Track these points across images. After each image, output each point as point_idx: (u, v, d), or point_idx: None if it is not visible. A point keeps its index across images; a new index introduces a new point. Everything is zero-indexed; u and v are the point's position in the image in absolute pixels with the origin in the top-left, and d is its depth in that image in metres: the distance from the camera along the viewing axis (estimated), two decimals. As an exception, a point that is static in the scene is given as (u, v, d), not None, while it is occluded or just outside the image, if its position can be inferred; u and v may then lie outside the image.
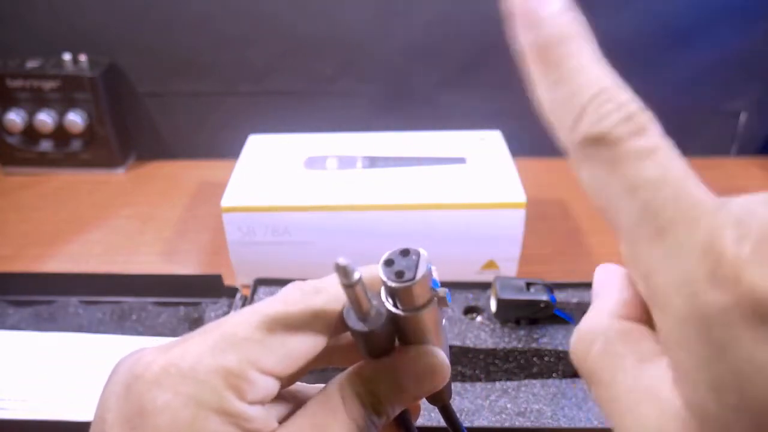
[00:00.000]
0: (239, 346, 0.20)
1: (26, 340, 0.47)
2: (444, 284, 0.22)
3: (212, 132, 0.80)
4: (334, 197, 0.54)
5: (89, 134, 0.76)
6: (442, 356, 0.23)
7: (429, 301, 0.21)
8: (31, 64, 0.73)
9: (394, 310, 0.21)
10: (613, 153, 0.16)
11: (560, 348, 0.45)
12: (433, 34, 0.73)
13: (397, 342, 0.23)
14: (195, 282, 0.53)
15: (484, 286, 0.50)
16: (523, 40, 0.17)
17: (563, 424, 0.40)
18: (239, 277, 0.57)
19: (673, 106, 0.81)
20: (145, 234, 0.66)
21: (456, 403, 0.42)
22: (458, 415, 0.28)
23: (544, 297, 0.46)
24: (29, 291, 0.52)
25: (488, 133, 0.63)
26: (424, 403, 0.26)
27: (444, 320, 0.24)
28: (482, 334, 0.46)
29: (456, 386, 0.43)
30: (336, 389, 0.22)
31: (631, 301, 0.19)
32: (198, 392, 0.19)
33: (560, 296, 0.48)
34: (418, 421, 0.26)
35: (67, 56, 0.73)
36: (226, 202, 0.54)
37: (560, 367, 0.45)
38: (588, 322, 0.19)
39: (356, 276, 0.19)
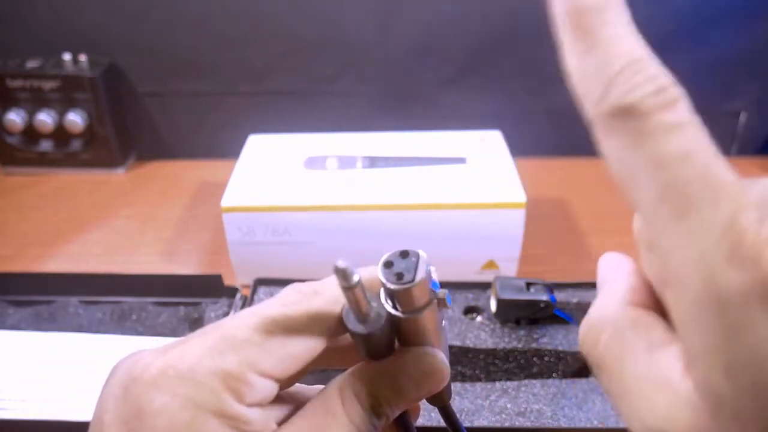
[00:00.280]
0: (238, 348, 0.20)
1: (26, 340, 0.47)
2: (444, 284, 0.22)
3: (212, 132, 0.80)
4: (334, 197, 0.54)
5: (89, 134, 0.75)
6: (442, 358, 0.23)
7: (428, 303, 0.21)
8: (31, 64, 0.73)
9: (393, 311, 0.21)
10: (641, 125, 0.15)
11: (560, 348, 0.45)
12: (433, 34, 0.73)
13: (396, 343, 0.23)
14: (195, 282, 0.53)
15: (484, 286, 0.50)
16: (559, 6, 0.17)
17: (563, 424, 0.40)
18: (239, 277, 0.57)
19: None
20: (145, 234, 0.66)
21: (456, 403, 0.42)
22: (458, 415, 0.28)
23: (544, 297, 0.46)
24: (29, 291, 0.52)
25: (488, 133, 0.63)
26: (423, 403, 0.26)
27: (444, 321, 0.24)
28: (482, 334, 0.46)
29: (456, 386, 0.43)
30: (335, 391, 0.22)
31: (639, 288, 0.19)
32: (196, 394, 0.19)
33: (560, 296, 0.48)
34: (417, 421, 0.26)
35: (67, 56, 0.73)
36: (226, 202, 0.54)
37: (560, 367, 0.45)
38: (597, 310, 0.19)
39: (355, 278, 0.19)
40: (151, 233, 0.67)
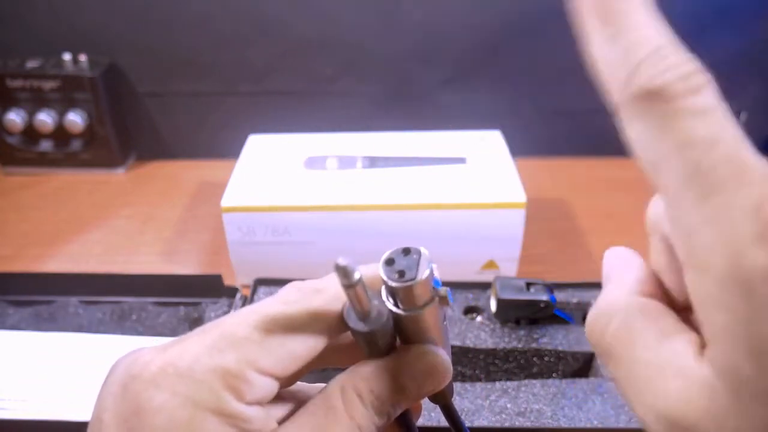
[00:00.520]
0: (238, 346, 0.20)
1: (26, 340, 0.47)
2: (444, 284, 0.22)
3: (212, 132, 0.80)
4: (334, 197, 0.54)
5: (89, 134, 0.75)
6: (444, 355, 0.23)
7: (430, 301, 0.21)
8: (31, 64, 0.73)
9: (395, 309, 0.21)
10: (668, 108, 0.15)
11: (560, 348, 0.45)
12: (433, 34, 0.73)
13: (398, 341, 0.23)
14: (195, 282, 0.53)
15: (484, 286, 0.50)
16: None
17: (563, 424, 0.40)
18: (239, 277, 0.57)
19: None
20: (145, 234, 0.66)
21: (456, 403, 0.41)
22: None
23: (544, 297, 0.46)
24: (29, 291, 0.52)
25: (488, 133, 0.63)
26: (424, 402, 0.26)
27: (446, 320, 0.24)
28: (482, 334, 0.46)
29: (456, 386, 0.43)
30: (337, 389, 0.22)
31: (647, 278, 0.19)
32: (195, 392, 0.19)
33: (560, 296, 0.48)
34: (418, 421, 0.26)
35: (67, 56, 0.73)
36: (226, 202, 0.54)
37: (560, 367, 0.45)
38: (605, 299, 0.19)
39: (356, 276, 0.19)
40: (151, 233, 0.67)
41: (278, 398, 0.22)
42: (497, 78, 0.76)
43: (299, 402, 0.23)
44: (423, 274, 0.20)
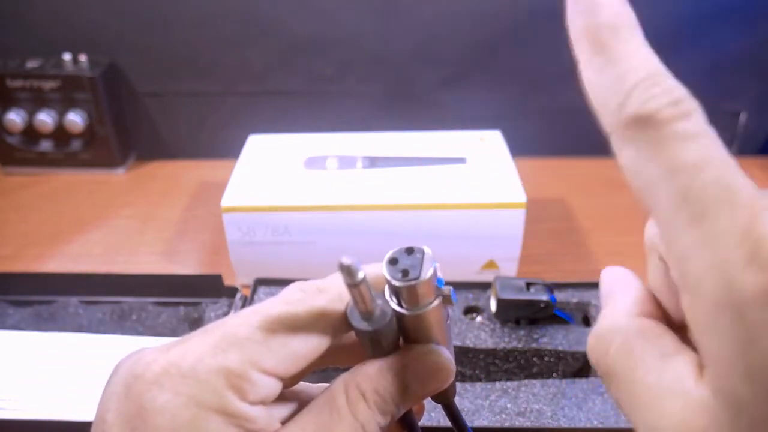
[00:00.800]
0: (240, 346, 0.20)
1: (26, 340, 0.47)
2: (445, 284, 0.22)
3: (212, 132, 0.80)
4: (334, 197, 0.54)
5: (89, 134, 0.75)
6: (447, 355, 0.23)
7: (433, 300, 0.21)
8: (31, 64, 0.73)
9: (398, 308, 0.21)
10: (658, 134, 0.16)
11: (560, 348, 0.45)
12: (433, 34, 0.73)
13: (401, 341, 0.23)
14: (195, 282, 0.53)
15: (484, 286, 0.50)
16: (577, 22, 0.17)
17: (563, 424, 0.40)
18: (239, 277, 0.57)
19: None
20: (145, 234, 0.66)
21: (456, 403, 0.42)
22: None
23: (544, 297, 0.46)
24: (29, 291, 0.52)
25: (488, 133, 0.63)
26: (425, 402, 0.26)
27: (449, 319, 0.24)
28: (482, 334, 0.46)
29: (456, 386, 0.43)
30: (340, 389, 0.22)
31: (646, 299, 0.19)
32: (198, 392, 0.19)
33: (560, 296, 0.48)
34: (420, 420, 0.26)
35: (67, 56, 0.73)
36: (226, 202, 0.54)
37: (560, 367, 0.45)
38: (605, 321, 0.19)
39: (360, 275, 0.19)
40: (151, 233, 0.67)
41: (281, 398, 0.22)
42: (497, 78, 0.76)
43: (302, 402, 0.23)
44: (426, 273, 0.20)
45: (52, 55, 0.73)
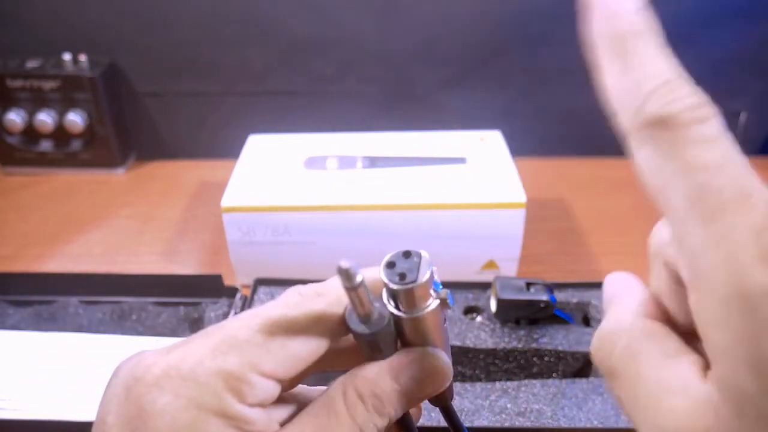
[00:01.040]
0: (240, 348, 0.20)
1: (26, 340, 0.47)
2: (444, 284, 0.22)
3: (212, 132, 0.80)
4: (334, 197, 0.54)
5: (89, 134, 0.75)
6: (445, 358, 0.23)
7: (431, 303, 0.21)
8: (31, 64, 0.73)
9: (396, 312, 0.21)
10: (677, 136, 0.16)
11: (560, 348, 0.45)
12: (433, 34, 0.73)
13: (399, 344, 0.23)
14: (195, 282, 0.53)
15: (484, 286, 0.50)
16: (597, 29, 0.18)
17: (563, 424, 0.40)
18: (239, 277, 0.57)
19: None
20: (145, 234, 0.66)
21: (456, 403, 0.42)
22: (458, 415, 0.28)
23: (544, 297, 0.46)
24: (29, 291, 0.52)
25: (488, 133, 0.63)
26: (424, 402, 0.26)
27: (446, 322, 0.24)
28: (482, 334, 0.46)
29: (456, 386, 0.43)
30: (338, 391, 0.22)
31: (650, 301, 0.19)
32: (198, 395, 0.19)
33: (560, 296, 0.48)
34: (418, 422, 0.26)
35: (67, 56, 0.73)
36: (226, 202, 0.54)
37: (560, 367, 0.45)
38: (610, 322, 0.20)
39: (359, 279, 0.19)
40: (151, 233, 0.67)
41: (280, 401, 0.22)
42: (497, 78, 0.76)
43: (301, 404, 0.23)
44: (424, 276, 0.20)
45: (52, 55, 0.73)
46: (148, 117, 0.80)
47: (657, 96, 0.16)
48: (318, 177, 0.57)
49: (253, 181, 0.57)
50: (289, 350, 0.21)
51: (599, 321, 0.38)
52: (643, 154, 0.17)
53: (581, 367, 0.45)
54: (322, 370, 0.24)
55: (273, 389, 0.21)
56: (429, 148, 0.62)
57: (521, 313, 0.47)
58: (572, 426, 0.40)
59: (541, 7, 0.70)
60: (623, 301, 0.20)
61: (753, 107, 0.78)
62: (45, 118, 0.73)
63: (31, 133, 0.75)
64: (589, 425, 0.40)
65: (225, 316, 0.50)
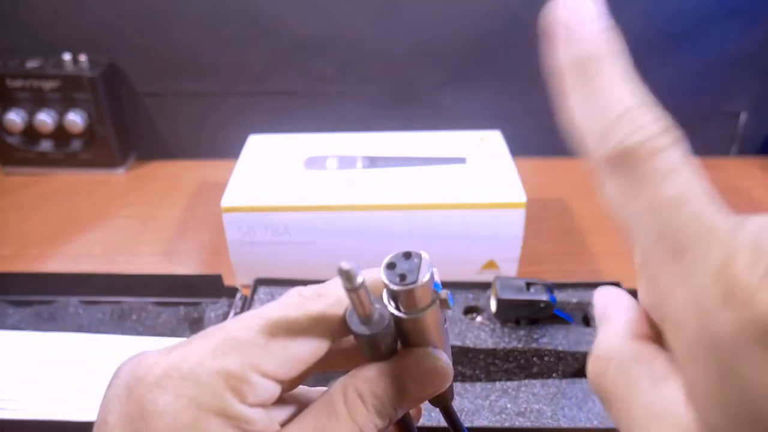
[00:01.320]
0: (240, 349, 0.20)
1: (26, 340, 0.47)
2: (444, 284, 0.22)
3: (212, 132, 0.80)
4: (334, 197, 0.54)
5: (89, 134, 0.76)
6: (445, 359, 0.23)
7: (431, 304, 0.21)
8: (31, 64, 0.73)
9: (396, 313, 0.21)
10: (637, 170, 0.16)
11: (560, 348, 0.45)
12: (433, 34, 0.73)
13: (399, 345, 0.23)
14: (195, 282, 0.53)
15: (484, 286, 0.50)
16: (560, 54, 0.18)
17: (563, 424, 0.40)
18: (239, 277, 0.57)
19: (673, 106, 0.81)
20: (145, 234, 0.66)
21: (456, 403, 0.42)
22: (458, 415, 0.28)
23: (544, 297, 0.46)
24: (29, 291, 0.52)
25: (488, 133, 0.63)
26: (424, 403, 0.26)
27: (446, 323, 0.24)
28: (482, 334, 0.46)
29: (456, 386, 0.43)
30: (339, 392, 0.22)
31: (639, 319, 0.19)
32: (199, 394, 0.20)
33: (560, 296, 0.48)
34: (418, 423, 0.26)
35: (67, 56, 0.73)
36: (226, 202, 0.54)
37: (560, 367, 0.45)
38: (601, 345, 0.20)
39: (359, 280, 0.19)
40: (151, 233, 0.67)
41: (281, 401, 0.22)
42: (497, 78, 0.76)
43: (302, 405, 0.23)
44: (424, 277, 0.20)
45: (52, 55, 0.74)
46: (148, 117, 0.80)
47: (618, 126, 0.16)
48: (318, 177, 0.57)
49: (253, 181, 0.57)
50: (290, 351, 0.21)
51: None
52: (608, 189, 0.17)
53: (581, 367, 0.45)
54: (322, 371, 0.24)
55: (273, 390, 0.21)
56: (429, 148, 0.62)
57: (521, 313, 0.47)
58: (572, 426, 0.40)
59: (542, 7, 0.70)
60: (613, 321, 0.20)
61: (753, 107, 0.78)
62: (45, 118, 0.73)
63: (31, 133, 0.75)
64: (589, 425, 0.40)
65: (225, 316, 0.50)
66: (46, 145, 0.76)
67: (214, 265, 0.61)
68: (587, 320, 0.48)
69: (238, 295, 0.51)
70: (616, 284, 0.44)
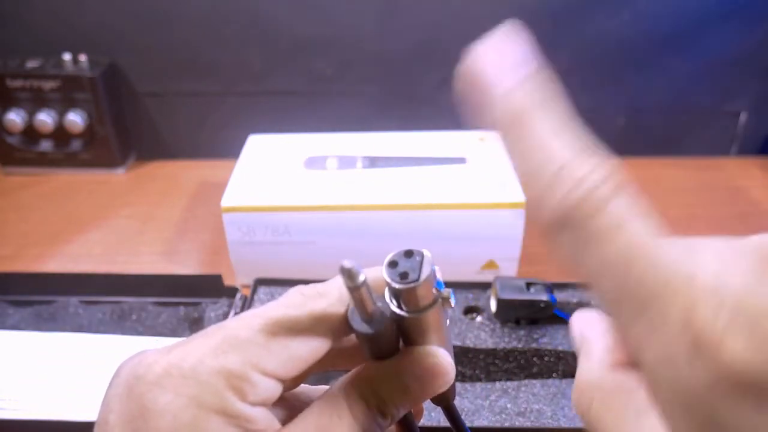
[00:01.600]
0: (241, 348, 0.20)
1: (26, 340, 0.47)
2: (444, 284, 0.22)
3: (212, 132, 0.80)
4: (334, 197, 0.54)
5: (89, 134, 0.76)
6: (447, 357, 0.23)
7: (433, 302, 0.21)
8: (31, 64, 0.73)
9: (398, 311, 0.21)
10: (582, 233, 0.16)
11: (560, 348, 0.45)
12: (434, 34, 0.73)
13: (401, 344, 0.23)
14: (195, 282, 0.53)
15: (484, 286, 0.50)
16: (486, 117, 0.17)
17: (563, 424, 0.40)
18: (239, 277, 0.57)
19: (674, 106, 0.81)
20: (145, 234, 0.66)
21: (456, 403, 0.41)
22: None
23: (544, 297, 0.46)
24: (29, 291, 0.52)
25: (488, 133, 0.63)
26: (425, 402, 0.26)
27: (448, 321, 0.24)
28: (482, 334, 0.46)
29: (456, 386, 0.43)
30: (340, 391, 0.22)
31: (616, 345, 0.19)
32: (199, 393, 0.19)
33: (560, 296, 0.48)
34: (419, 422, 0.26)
35: (67, 56, 0.73)
36: (226, 202, 0.54)
37: (560, 367, 0.45)
38: (583, 377, 0.20)
39: (361, 278, 0.19)
40: (151, 233, 0.67)
41: (283, 400, 0.22)
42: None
43: (303, 404, 0.23)
44: (425, 275, 0.20)
45: (52, 55, 0.73)
46: (148, 117, 0.80)
47: (557, 184, 0.16)
48: (318, 177, 0.57)
49: (253, 181, 0.57)
50: (291, 350, 0.21)
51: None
52: (561, 250, 0.17)
53: (581, 367, 0.45)
54: (324, 371, 0.24)
55: (275, 388, 0.21)
56: (429, 148, 0.62)
57: (521, 313, 0.47)
58: (572, 426, 0.40)
59: (540, 8, 0.70)
60: (592, 350, 0.20)
61: (753, 107, 0.78)
62: (45, 118, 0.73)
63: (31, 133, 0.75)
64: (589, 425, 0.40)
65: (225, 316, 0.50)
66: (46, 145, 0.76)
67: (214, 265, 0.61)
68: (587, 320, 0.48)
69: (238, 295, 0.51)
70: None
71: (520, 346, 0.45)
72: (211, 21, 0.73)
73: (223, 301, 0.52)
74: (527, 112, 0.17)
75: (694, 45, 0.72)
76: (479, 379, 0.45)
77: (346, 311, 0.22)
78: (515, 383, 0.43)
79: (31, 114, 0.74)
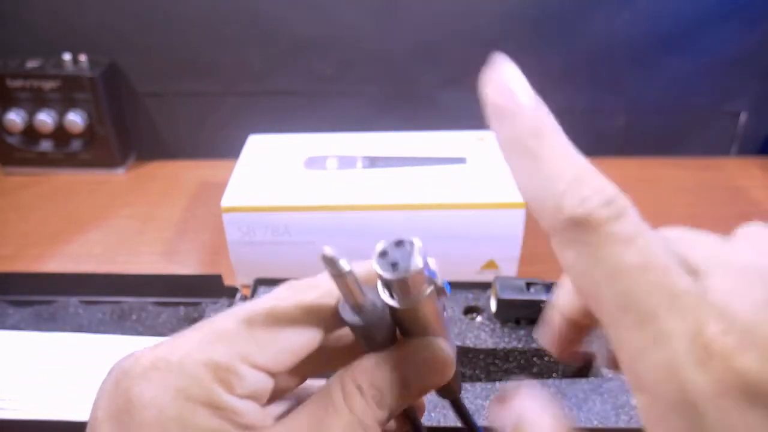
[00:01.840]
0: (228, 340, 0.20)
1: (26, 340, 0.47)
2: (437, 273, 0.22)
3: (212, 132, 0.80)
4: (334, 197, 0.54)
5: (89, 134, 0.76)
6: (445, 346, 0.23)
7: (426, 292, 0.21)
8: (31, 64, 0.73)
9: (391, 302, 0.21)
10: (595, 237, 0.16)
11: (560, 348, 0.45)
12: (434, 34, 0.73)
13: (399, 336, 0.23)
14: (195, 282, 0.53)
15: (484, 286, 0.50)
16: (502, 131, 0.18)
17: (563, 424, 0.40)
18: (239, 277, 0.57)
19: (674, 106, 0.82)
20: (145, 234, 0.66)
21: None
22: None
23: (544, 297, 0.46)
24: (29, 291, 0.52)
25: (488, 133, 0.63)
26: (427, 402, 0.26)
27: (446, 311, 0.23)
28: (482, 334, 0.46)
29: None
30: (336, 383, 0.22)
31: (556, 420, 0.20)
32: (186, 386, 0.19)
33: (560, 296, 0.48)
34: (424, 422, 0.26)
35: (67, 56, 0.73)
36: (226, 202, 0.54)
37: (560, 367, 0.45)
38: None
39: (344, 266, 0.19)
40: (151, 233, 0.67)
41: (283, 398, 0.22)
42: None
43: (302, 401, 0.23)
44: (417, 265, 0.20)
45: (52, 55, 0.74)
46: (148, 117, 0.80)
47: (570, 194, 0.16)
48: (318, 177, 0.57)
49: (253, 181, 0.57)
50: (280, 341, 0.21)
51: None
52: (567, 257, 0.17)
53: (581, 367, 0.45)
54: (323, 372, 0.24)
55: (264, 381, 0.21)
56: (429, 148, 0.62)
57: (521, 313, 0.47)
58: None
59: (540, 7, 0.70)
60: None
61: (753, 107, 0.78)
62: (45, 118, 0.73)
63: (31, 133, 0.75)
64: (589, 425, 0.40)
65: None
66: (46, 145, 0.76)
67: (214, 265, 0.61)
68: (587, 320, 0.48)
69: (238, 295, 0.51)
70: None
71: (520, 346, 0.45)
72: (211, 21, 0.73)
73: (223, 301, 0.52)
74: (547, 129, 0.17)
75: (693, 45, 0.72)
76: (479, 379, 0.45)
77: (337, 303, 0.22)
78: (515, 383, 0.43)
79: (31, 114, 0.74)
